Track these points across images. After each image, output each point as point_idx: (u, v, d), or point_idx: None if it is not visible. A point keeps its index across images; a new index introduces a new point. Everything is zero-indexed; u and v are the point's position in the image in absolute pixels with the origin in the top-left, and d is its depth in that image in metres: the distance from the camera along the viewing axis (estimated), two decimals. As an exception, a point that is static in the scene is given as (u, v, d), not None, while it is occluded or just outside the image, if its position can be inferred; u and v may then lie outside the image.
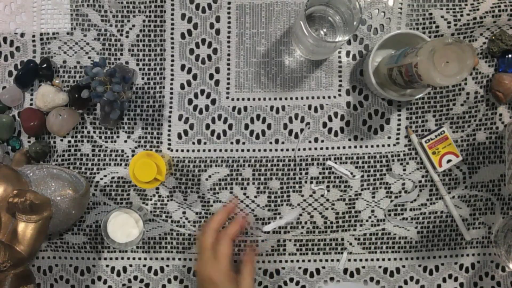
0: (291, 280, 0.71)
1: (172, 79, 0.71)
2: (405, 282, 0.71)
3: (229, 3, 0.70)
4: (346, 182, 0.70)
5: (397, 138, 0.70)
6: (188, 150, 0.71)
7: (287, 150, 0.70)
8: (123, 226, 0.65)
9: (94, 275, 0.71)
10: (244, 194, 0.71)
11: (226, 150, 0.71)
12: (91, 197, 0.71)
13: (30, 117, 0.69)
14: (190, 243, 0.71)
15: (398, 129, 0.70)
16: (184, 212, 0.71)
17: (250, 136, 0.71)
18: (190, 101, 0.71)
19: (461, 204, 0.70)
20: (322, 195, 0.70)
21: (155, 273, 0.72)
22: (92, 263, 0.71)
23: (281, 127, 0.71)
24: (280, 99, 0.70)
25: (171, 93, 0.71)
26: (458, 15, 0.68)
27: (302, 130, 0.70)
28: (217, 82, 0.71)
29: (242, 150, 0.71)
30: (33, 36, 0.71)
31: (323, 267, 0.71)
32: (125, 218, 0.65)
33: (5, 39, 0.71)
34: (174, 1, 0.70)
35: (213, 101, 0.71)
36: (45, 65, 0.69)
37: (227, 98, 0.71)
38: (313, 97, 0.70)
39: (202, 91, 0.71)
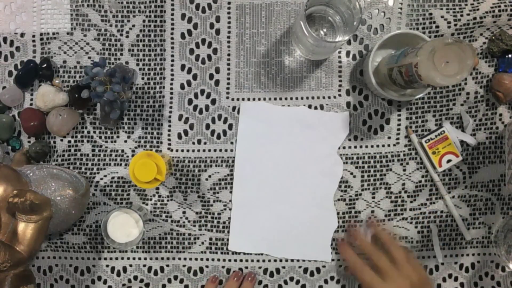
0: (291, 279, 0.71)
1: (172, 79, 0.71)
2: (405, 282, 0.71)
3: (229, 3, 0.70)
4: (347, 182, 0.70)
5: (397, 138, 0.70)
6: (188, 150, 0.71)
7: (287, 150, 0.70)
8: (123, 226, 0.65)
9: (94, 275, 0.71)
10: (244, 194, 0.71)
11: (226, 150, 0.71)
12: (91, 197, 0.71)
13: (30, 117, 0.69)
14: (190, 243, 0.71)
15: (398, 129, 0.70)
16: (184, 212, 0.71)
17: (250, 136, 0.71)
18: (190, 101, 0.71)
19: (461, 204, 0.70)
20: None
21: (155, 273, 0.72)
22: (92, 263, 0.71)
23: (281, 127, 0.70)
24: (280, 99, 0.70)
25: (171, 93, 0.71)
26: (458, 15, 0.68)
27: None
28: (217, 82, 0.71)
29: (242, 150, 0.71)
30: (33, 36, 0.71)
31: (324, 266, 0.71)
32: (125, 218, 0.65)
33: (5, 39, 0.71)
34: (174, 1, 0.70)
35: (213, 101, 0.71)
36: (45, 65, 0.69)
37: (227, 98, 0.71)
38: (313, 97, 0.70)
39: (202, 91, 0.71)
